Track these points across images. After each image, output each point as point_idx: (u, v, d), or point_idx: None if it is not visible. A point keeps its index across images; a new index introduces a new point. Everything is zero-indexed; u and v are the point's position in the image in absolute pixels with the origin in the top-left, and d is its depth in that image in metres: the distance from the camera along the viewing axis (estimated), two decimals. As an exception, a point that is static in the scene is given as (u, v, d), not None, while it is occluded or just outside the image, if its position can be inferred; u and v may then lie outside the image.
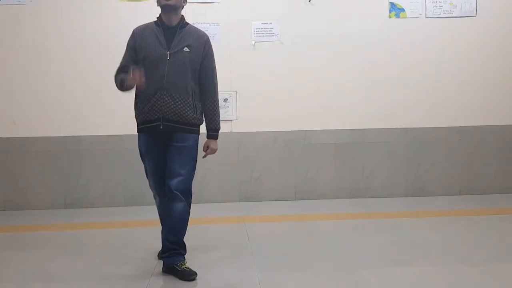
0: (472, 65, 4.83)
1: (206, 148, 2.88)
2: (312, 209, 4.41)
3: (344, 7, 4.73)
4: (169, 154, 2.74)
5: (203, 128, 2.88)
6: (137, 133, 2.87)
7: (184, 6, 2.85)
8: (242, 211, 4.33)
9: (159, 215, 2.93)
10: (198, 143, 2.81)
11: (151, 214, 4.25)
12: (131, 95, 2.89)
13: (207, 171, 4.67)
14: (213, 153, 2.90)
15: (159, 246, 3.24)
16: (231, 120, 4.68)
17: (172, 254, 2.73)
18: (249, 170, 4.72)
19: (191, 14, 4.59)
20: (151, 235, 3.55)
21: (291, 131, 4.74)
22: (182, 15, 2.84)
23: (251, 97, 4.67)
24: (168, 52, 2.71)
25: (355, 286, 2.57)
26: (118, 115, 4.59)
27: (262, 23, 4.68)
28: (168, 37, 2.74)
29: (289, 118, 4.72)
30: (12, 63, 4.54)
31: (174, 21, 2.78)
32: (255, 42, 4.68)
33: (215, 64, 2.87)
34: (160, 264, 2.91)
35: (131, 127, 4.56)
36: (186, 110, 2.72)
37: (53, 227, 3.92)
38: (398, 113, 4.80)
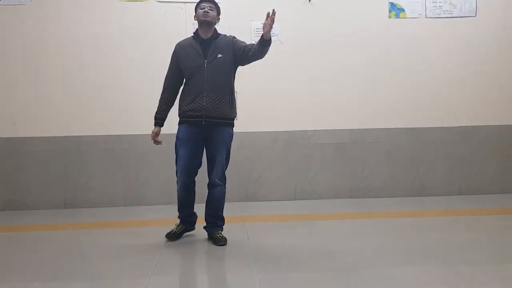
0: (472, 65, 4.83)
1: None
2: (312, 209, 4.41)
3: (344, 7, 4.73)
4: (210, 148, 3.31)
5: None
6: (178, 125, 3.35)
7: (217, 20, 3.37)
8: (242, 211, 4.33)
9: (178, 197, 3.39)
10: (232, 136, 3.37)
11: (151, 214, 4.28)
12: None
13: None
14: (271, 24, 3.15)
15: (159, 246, 3.25)
16: (231, 120, 4.68)
17: (213, 225, 3.38)
18: (249, 170, 4.73)
19: (191, 14, 4.61)
20: (151, 235, 3.56)
21: (291, 131, 4.74)
22: (215, 29, 3.36)
23: (251, 97, 4.67)
24: (205, 60, 3.23)
25: (355, 286, 2.57)
26: (118, 115, 4.60)
27: (262, 23, 4.65)
28: (204, 48, 3.27)
29: (289, 118, 4.72)
30: (12, 63, 4.55)
31: (209, 34, 3.30)
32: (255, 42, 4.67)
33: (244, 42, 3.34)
34: (160, 263, 2.93)
35: (131, 127, 4.62)
36: (223, 107, 3.24)
37: (53, 227, 3.92)
38: (398, 113, 4.80)
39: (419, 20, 4.78)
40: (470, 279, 2.63)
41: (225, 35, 3.37)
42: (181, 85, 3.38)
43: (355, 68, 4.75)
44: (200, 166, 3.39)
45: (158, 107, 3.40)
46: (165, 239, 3.40)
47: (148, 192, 4.66)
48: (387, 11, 4.77)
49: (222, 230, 3.39)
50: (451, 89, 4.83)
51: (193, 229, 3.54)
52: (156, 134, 3.36)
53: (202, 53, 3.25)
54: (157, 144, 3.38)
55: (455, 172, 4.86)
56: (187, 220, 3.47)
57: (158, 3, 4.58)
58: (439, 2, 4.77)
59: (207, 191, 3.40)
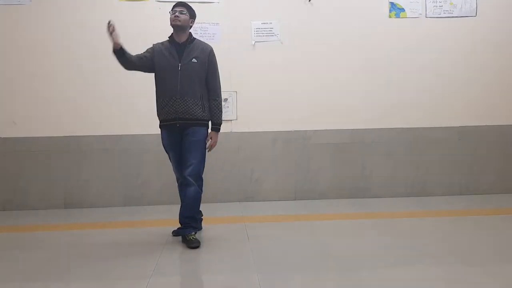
0: (472, 65, 4.83)
1: (210, 138, 3.41)
2: (312, 209, 4.41)
3: (344, 7, 4.73)
4: (184, 147, 3.32)
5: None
6: (160, 129, 3.44)
7: (192, 26, 3.41)
8: (242, 211, 4.33)
9: (179, 196, 3.43)
10: (205, 135, 3.38)
11: (151, 214, 4.28)
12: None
13: (207, 171, 4.65)
14: (215, 144, 3.45)
15: (159, 246, 3.25)
16: (231, 120, 4.68)
17: (186, 227, 3.35)
18: (249, 170, 4.73)
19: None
20: (151, 235, 3.56)
21: (291, 131, 4.74)
22: (190, 33, 3.40)
23: (251, 97, 4.68)
24: (179, 64, 3.28)
25: (355, 286, 2.57)
26: (118, 115, 4.60)
27: (262, 23, 4.68)
28: (179, 52, 3.32)
29: (289, 118, 4.72)
30: (12, 63, 4.55)
31: (183, 38, 3.35)
32: (255, 42, 4.68)
33: (218, 71, 3.44)
34: (160, 263, 2.93)
35: (131, 127, 4.62)
36: (196, 109, 3.30)
37: (53, 227, 3.92)
38: (398, 113, 4.80)
39: (419, 20, 4.78)
40: (470, 279, 2.63)
41: (201, 41, 3.43)
42: (145, 70, 3.38)
43: (355, 68, 4.75)
44: None
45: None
46: (165, 239, 3.40)
47: (148, 192, 4.66)
48: (387, 11, 4.77)
49: (195, 233, 3.37)
50: (451, 89, 4.83)
51: (200, 228, 3.61)
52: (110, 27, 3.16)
53: (177, 56, 3.30)
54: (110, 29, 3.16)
55: (455, 172, 4.86)
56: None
57: (158, 3, 4.58)
58: (439, 2, 4.77)
59: (179, 191, 3.41)
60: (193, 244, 3.25)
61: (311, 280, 2.64)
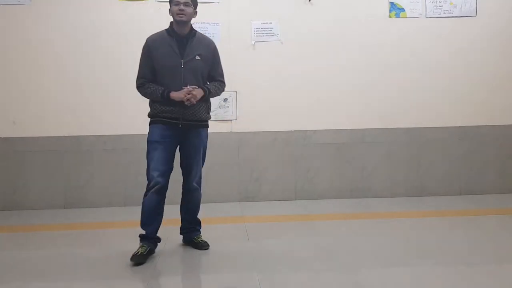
0: (472, 65, 4.83)
1: (191, 90, 2.97)
2: (312, 209, 4.41)
3: (344, 7, 4.73)
4: (188, 151, 3.12)
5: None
6: (150, 126, 3.09)
7: (194, 15, 3.10)
8: (242, 211, 4.33)
9: (147, 207, 3.07)
10: (207, 137, 3.24)
11: (151, 214, 4.27)
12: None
13: (207, 171, 4.66)
14: (193, 99, 2.95)
15: (159, 246, 3.24)
16: (231, 120, 4.68)
17: (191, 230, 3.28)
18: (249, 170, 4.72)
19: (191, 14, 4.61)
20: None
21: (291, 131, 4.74)
22: (191, 24, 3.11)
23: (251, 97, 4.68)
24: (182, 60, 2.99)
25: (355, 286, 2.57)
26: (118, 115, 4.60)
27: (262, 23, 4.68)
28: (180, 47, 3.01)
29: (289, 118, 4.72)
30: (12, 63, 4.55)
31: (185, 31, 3.05)
32: (255, 42, 4.68)
33: (221, 66, 3.24)
34: (160, 263, 2.93)
35: (131, 127, 4.61)
36: (201, 111, 3.08)
37: (53, 227, 3.92)
38: (398, 113, 4.80)
39: (419, 20, 4.78)
40: (470, 279, 2.63)
41: (202, 35, 3.18)
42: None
43: (355, 67, 4.75)
44: (172, 171, 3.12)
45: (154, 92, 3.01)
46: (165, 239, 3.40)
47: (148, 192, 4.65)
48: (387, 11, 4.77)
49: (200, 234, 3.32)
50: (451, 89, 4.83)
51: (154, 252, 3.09)
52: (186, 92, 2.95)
53: (179, 52, 2.99)
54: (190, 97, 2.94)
55: (455, 172, 4.86)
56: (152, 238, 3.08)
57: (158, 3, 4.58)
58: (439, 2, 4.77)
59: (183, 195, 3.23)
60: (205, 247, 3.20)
61: (311, 280, 2.64)
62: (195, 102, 2.97)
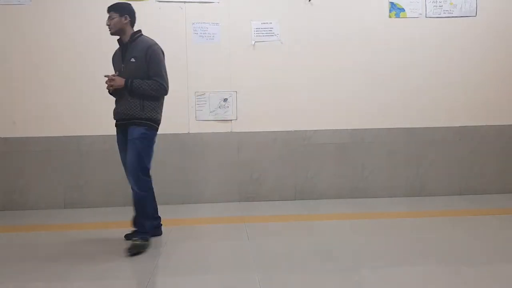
0: (472, 65, 4.83)
1: (113, 77, 3.24)
2: (312, 209, 4.41)
3: (344, 7, 4.73)
4: (126, 149, 3.29)
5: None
6: None
7: (124, 21, 3.28)
8: (242, 211, 4.33)
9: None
10: (147, 136, 3.27)
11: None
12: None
13: (207, 171, 4.68)
14: (113, 85, 3.23)
15: (159, 246, 3.25)
16: (231, 120, 4.68)
17: (134, 231, 3.28)
18: (249, 170, 4.72)
19: (191, 14, 4.62)
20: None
21: (291, 131, 4.74)
22: (134, 31, 3.35)
23: (251, 97, 4.68)
24: (122, 65, 3.29)
25: (355, 286, 2.57)
26: (118, 115, 4.59)
27: (262, 23, 4.68)
28: (123, 53, 3.33)
29: (289, 118, 4.72)
30: (12, 63, 4.55)
31: (125, 39, 3.33)
32: (255, 42, 4.68)
33: (162, 66, 3.31)
34: (160, 263, 2.93)
35: (131, 127, 4.59)
36: (134, 110, 3.24)
37: (53, 227, 3.92)
38: (398, 113, 4.80)
39: (419, 20, 4.78)
40: (470, 279, 2.63)
41: (145, 38, 3.32)
42: None
43: (355, 68, 4.75)
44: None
45: None
46: (165, 239, 3.41)
47: (148, 192, 4.65)
48: (387, 11, 4.77)
49: (140, 238, 3.21)
50: (451, 89, 4.83)
51: (159, 234, 3.51)
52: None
53: (122, 58, 3.31)
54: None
55: (455, 172, 4.86)
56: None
57: (158, 3, 4.58)
58: (439, 2, 4.77)
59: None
60: (130, 251, 3.12)
61: (311, 280, 2.64)
62: (111, 89, 3.25)
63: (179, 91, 4.60)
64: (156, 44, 3.32)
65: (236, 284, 2.64)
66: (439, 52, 4.81)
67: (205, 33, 4.60)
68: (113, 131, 4.57)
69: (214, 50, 4.63)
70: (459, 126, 4.84)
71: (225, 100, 4.65)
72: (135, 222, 3.30)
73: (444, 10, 4.79)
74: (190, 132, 4.64)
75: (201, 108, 4.64)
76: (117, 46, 3.42)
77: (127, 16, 3.29)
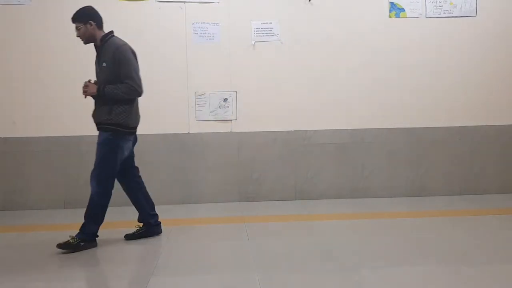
0: (472, 65, 4.83)
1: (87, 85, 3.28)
2: (312, 209, 4.41)
3: (344, 7, 4.73)
4: None
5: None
6: None
7: (90, 27, 3.23)
8: (242, 211, 4.33)
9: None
10: (110, 142, 3.24)
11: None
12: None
13: (207, 171, 4.68)
14: (85, 89, 3.27)
15: (159, 246, 3.25)
16: (231, 120, 4.68)
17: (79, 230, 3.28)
18: (249, 170, 4.72)
19: (191, 14, 4.62)
20: (151, 235, 3.55)
21: (291, 131, 4.74)
22: (104, 33, 3.29)
23: (251, 97, 4.68)
24: (98, 69, 3.30)
25: (355, 286, 2.57)
26: (118, 115, 4.59)
27: (262, 23, 4.68)
28: (97, 57, 3.32)
29: (289, 118, 4.72)
30: (12, 63, 4.55)
31: (98, 43, 3.29)
32: (255, 42, 4.68)
33: (132, 65, 3.24)
34: (160, 263, 2.93)
35: (131, 127, 4.59)
36: (102, 114, 3.25)
37: (53, 227, 3.92)
38: (398, 113, 4.80)
39: (419, 20, 4.78)
40: (470, 279, 2.63)
41: (113, 40, 3.27)
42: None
43: (355, 67, 4.75)
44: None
45: None
46: (165, 239, 3.40)
47: (148, 192, 4.64)
48: (387, 11, 4.77)
49: (78, 238, 3.20)
50: (451, 89, 4.83)
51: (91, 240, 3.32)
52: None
53: (97, 62, 3.32)
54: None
55: (455, 172, 4.86)
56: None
57: (158, 3, 4.58)
58: (439, 2, 4.77)
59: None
60: (58, 246, 3.15)
61: (311, 280, 2.64)
62: (84, 95, 3.27)
63: (179, 91, 4.60)
64: (125, 44, 3.26)
65: (236, 284, 2.63)
66: (439, 52, 4.81)
67: (205, 33, 4.60)
68: (113, 131, 4.62)
69: (214, 50, 4.63)
70: (459, 126, 4.84)
71: (225, 100, 4.65)
72: (140, 218, 3.47)
73: (444, 10, 4.79)
74: (190, 132, 4.64)
75: (201, 108, 4.64)
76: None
77: (91, 22, 3.22)
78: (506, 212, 4.13)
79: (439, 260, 2.91)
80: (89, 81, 3.29)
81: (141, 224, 3.51)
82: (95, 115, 3.32)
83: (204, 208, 4.48)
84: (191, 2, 4.60)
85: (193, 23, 4.61)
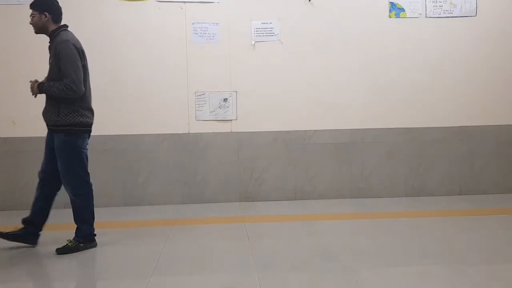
0: (472, 65, 4.83)
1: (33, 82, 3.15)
2: (312, 209, 4.41)
3: (344, 7, 4.73)
4: (50, 147, 3.22)
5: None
6: None
7: (44, 18, 3.12)
8: (242, 211, 4.33)
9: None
10: (67, 142, 3.13)
11: (151, 214, 4.28)
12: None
13: (207, 171, 4.68)
14: (32, 88, 3.15)
15: (159, 246, 3.24)
16: (231, 120, 4.68)
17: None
18: (249, 170, 4.72)
19: (191, 14, 4.62)
20: (151, 235, 3.56)
21: (291, 131, 4.74)
22: (56, 27, 3.15)
23: (251, 97, 4.68)
24: (49, 64, 3.14)
25: (355, 286, 2.57)
26: (118, 115, 4.60)
27: (262, 23, 4.68)
28: (49, 51, 3.16)
29: (289, 118, 4.72)
30: (12, 63, 4.54)
31: (48, 36, 3.16)
32: (255, 42, 4.68)
33: (69, 64, 3.05)
34: (160, 263, 2.92)
35: (131, 127, 4.61)
36: (50, 115, 3.13)
37: (53, 227, 3.91)
38: (398, 113, 4.80)
39: (419, 20, 4.78)
40: (470, 279, 2.63)
41: (61, 35, 3.12)
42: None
43: (355, 67, 4.75)
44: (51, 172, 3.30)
45: None
46: (165, 239, 3.40)
47: (148, 192, 4.66)
48: (387, 11, 4.77)
49: (75, 241, 3.19)
50: (451, 89, 4.83)
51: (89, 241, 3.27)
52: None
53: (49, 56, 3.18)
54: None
55: (455, 172, 4.86)
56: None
57: (158, 3, 4.58)
58: (439, 2, 4.77)
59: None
60: (57, 251, 3.13)
61: (311, 280, 2.64)
62: (34, 95, 3.15)
63: (179, 91, 4.60)
64: (67, 40, 3.06)
65: (236, 284, 2.64)
66: (439, 52, 4.81)
67: (205, 33, 4.60)
68: (113, 131, 4.62)
69: (214, 50, 4.63)
70: (459, 126, 4.84)
71: (225, 100, 4.65)
72: (27, 221, 3.31)
73: (444, 10, 4.79)
74: (190, 132, 4.64)
75: (201, 108, 4.64)
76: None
77: (46, 13, 3.08)
78: (506, 212, 4.14)
79: (439, 260, 2.92)
80: (35, 80, 3.15)
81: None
82: (44, 116, 3.20)
83: (204, 208, 4.48)
84: (191, 2, 4.60)
85: (193, 23, 4.61)
